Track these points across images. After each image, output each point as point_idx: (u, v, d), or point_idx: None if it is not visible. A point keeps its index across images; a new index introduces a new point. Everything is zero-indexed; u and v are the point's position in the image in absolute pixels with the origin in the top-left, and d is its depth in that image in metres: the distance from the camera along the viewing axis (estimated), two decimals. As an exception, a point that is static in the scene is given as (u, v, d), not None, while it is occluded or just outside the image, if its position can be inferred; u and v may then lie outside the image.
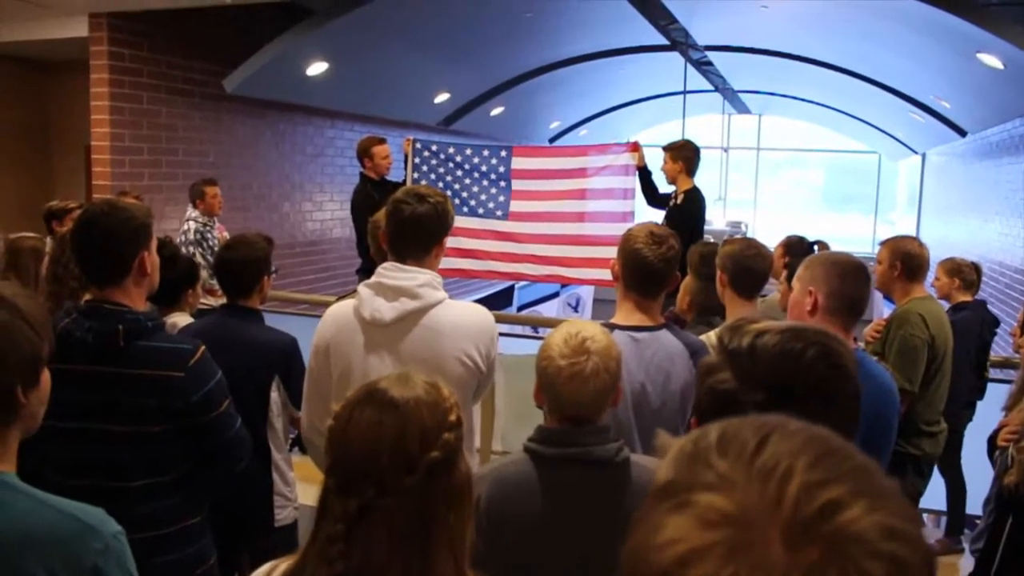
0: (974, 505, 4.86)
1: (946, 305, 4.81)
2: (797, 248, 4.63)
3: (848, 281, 2.42)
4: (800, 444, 0.57)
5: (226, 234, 6.87)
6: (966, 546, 4.92)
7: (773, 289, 4.29)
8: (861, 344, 3.62)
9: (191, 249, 6.57)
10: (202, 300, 4.62)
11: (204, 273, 5.58)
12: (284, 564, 1.40)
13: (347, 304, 2.53)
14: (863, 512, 0.53)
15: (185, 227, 6.79)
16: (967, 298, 4.89)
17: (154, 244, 2.33)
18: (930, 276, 4.78)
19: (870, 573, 0.51)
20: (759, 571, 0.52)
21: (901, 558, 0.53)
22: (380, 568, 1.27)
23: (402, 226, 2.47)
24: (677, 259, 2.71)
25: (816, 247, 5.37)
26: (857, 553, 0.52)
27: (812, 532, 0.52)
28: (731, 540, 0.53)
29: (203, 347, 2.28)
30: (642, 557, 0.56)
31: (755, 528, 0.53)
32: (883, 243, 4.11)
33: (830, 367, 1.29)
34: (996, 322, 5.02)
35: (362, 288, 2.48)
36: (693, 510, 0.55)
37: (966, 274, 4.93)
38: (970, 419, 4.82)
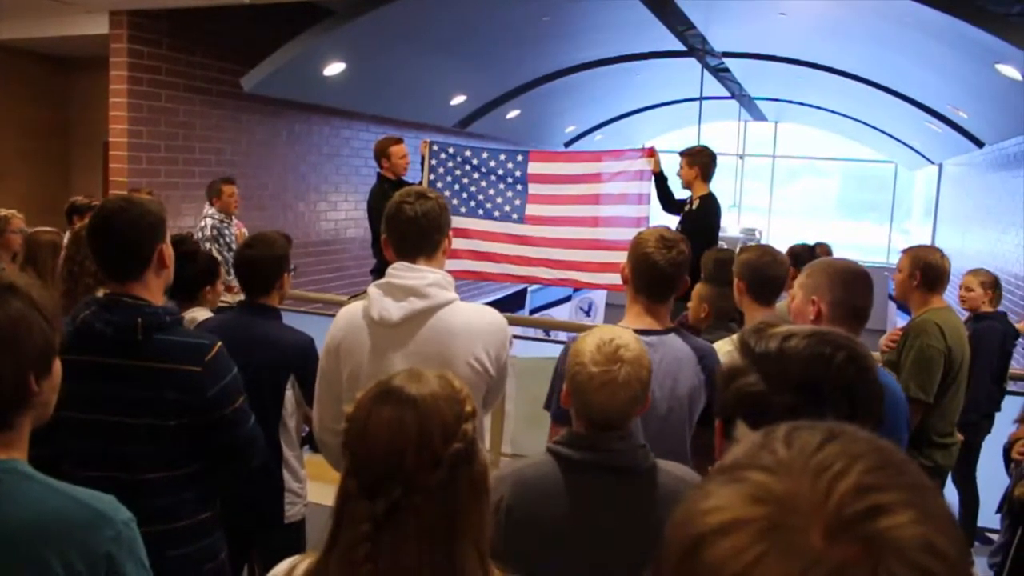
0: (987, 518, 4.82)
1: (964, 315, 4.77)
2: (803, 257, 4.59)
3: (851, 289, 2.40)
4: (862, 450, 0.59)
5: (244, 230, 6.90)
6: (975, 559, 4.89)
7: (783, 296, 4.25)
8: (876, 355, 3.61)
9: (208, 245, 6.61)
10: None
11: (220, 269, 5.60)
12: (304, 563, 1.37)
13: (358, 305, 2.51)
14: (908, 522, 0.53)
15: (202, 223, 6.85)
16: (990, 309, 4.85)
17: (168, 237, 2.34)
18: (953, 287, 4.71)
19: None
20: (790, 555, 0.52)
21: (934, 574, 0.52)
22: (409, 567, 1.24)
23: (409, 225, 2.44)
24: (687, 264, 2.70)
25: (816, 249, 5.33)
26: (892, 559, 0.52)
27: (853, 529, 0.53)
28: (772, 519, 0.54)
29: (220, 343, 2.28)
30: (685, 520, 0.58)
31: (799, 514, 0.54)
32: (904, 251, 4.00)
33: (858, 370, 1.30)
34: (1017, 334, 4.97)
35: (372, 288, 2.46)
36: (744, 485, 0.57)
37: (996, 286, 4.90)
38: (988, 431, 4.76)
